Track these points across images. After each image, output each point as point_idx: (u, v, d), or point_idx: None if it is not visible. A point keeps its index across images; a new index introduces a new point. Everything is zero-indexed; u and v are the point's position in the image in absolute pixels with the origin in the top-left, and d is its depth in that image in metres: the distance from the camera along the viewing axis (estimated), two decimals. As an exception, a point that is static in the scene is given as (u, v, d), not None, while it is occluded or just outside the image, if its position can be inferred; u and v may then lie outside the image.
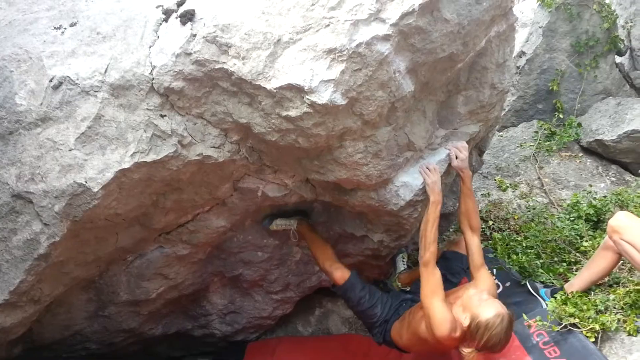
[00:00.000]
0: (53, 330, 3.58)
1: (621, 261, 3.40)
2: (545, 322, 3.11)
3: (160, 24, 2.78)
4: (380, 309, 3.49)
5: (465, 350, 2.97)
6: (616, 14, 5.88)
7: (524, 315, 3.29)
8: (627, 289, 3.22)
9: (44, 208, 2.75)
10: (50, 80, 2.72)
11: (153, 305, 3.76)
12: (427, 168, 3.24)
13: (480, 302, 2.94)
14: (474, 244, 3.33)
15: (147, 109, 2.73)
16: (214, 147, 2.89)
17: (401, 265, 4.21)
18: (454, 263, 3.92)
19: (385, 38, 2.56)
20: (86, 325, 3.66)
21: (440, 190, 3.22)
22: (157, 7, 2.85)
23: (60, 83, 2.71)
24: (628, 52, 6.24)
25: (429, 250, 3.14)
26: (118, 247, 3.21)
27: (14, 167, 2.74)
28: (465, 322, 2.91)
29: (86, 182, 2.69)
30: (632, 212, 3.56)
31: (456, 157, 3.35)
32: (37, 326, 3.42)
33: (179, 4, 2.81)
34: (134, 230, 3.19)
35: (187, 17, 2.69)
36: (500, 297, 3.40)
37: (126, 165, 2.71)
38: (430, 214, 3.19)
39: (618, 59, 6.21)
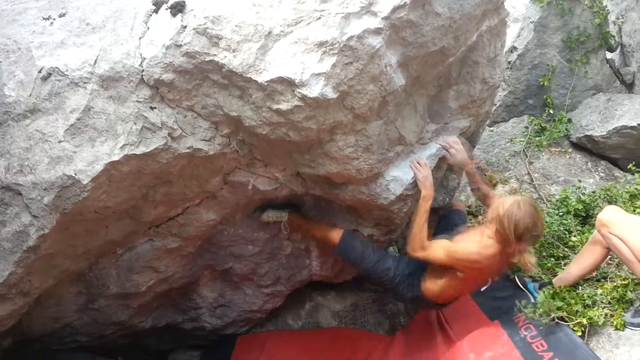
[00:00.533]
0: (43, 323, 3.56)
1: (609, 256, 3.42)
2: (533, 316, 3.12)
3: (151, 15, 2.76)
4: (393, 262, 3.45)
5: (516, 258, 3.02)
6: (607, 10, 5.91)
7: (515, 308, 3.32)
8: (615, 284, 3.26)
9: (33, 200, 2.73)
10: (39, 71, 2.70)
11: (143, 299, 3.74)
12: (418, 163, 3.26)
13: (498, 205, 3.03)
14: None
15: (137, 101, 2.71)
16: (204, 140, 2.88)
17: (392, 253, 4.21)
18: (454, 216, 4.00)
19: (377, 31, 2.56)
20: (76, 317, 3.64)
21: (431, 185, 3.24)
22: (147, -2, 2.83)
23: (49, 74, 2.69)
24: (619, 48, 6.27)
25: (416, 239, 3.18)
26: (108, 240, 3.19)
27: (2, 159, 2.72)
28: (494, 229, 2.98)
29: (75, 174, 2.67)
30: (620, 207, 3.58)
31: (451, 155, 3.36)
32: (27, 318, 3.40)
33: (170, -4, 2.79)
34: (123, 223, 3.18)
35: (178, 9, 2.67)
36: (489, 291, 3.44)
37: (116, 158, 2.70)
38: (420, 208, 3.21)
39: (609, 55, 6.24)
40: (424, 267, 3.36)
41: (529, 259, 2.99)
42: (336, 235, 3.51)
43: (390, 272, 3.39)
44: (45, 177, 2.68)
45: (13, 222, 2.79)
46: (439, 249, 3.16)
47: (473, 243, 3.07)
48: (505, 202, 3.00)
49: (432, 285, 3.31)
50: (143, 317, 3.99)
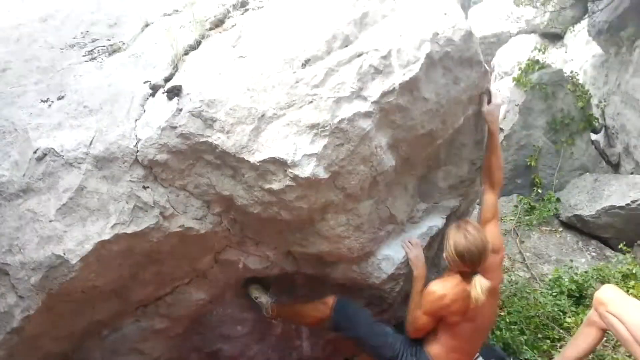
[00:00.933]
0: (21, 409, 3.41)
1: (605, 337, 3.37)
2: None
3: (147, 98, 2.84)
4: (392, 329, 3.27)
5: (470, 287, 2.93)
6: (590, 94, 6.15)
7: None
8: (612, 367, 3.19)
9: (20, 280, 2.69)
10: (35, 152, 2.73)
11: (127, 383, 3.61)
12: (410, 242, 3.26)
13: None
14: (489, 199, 3.26)
15: (130, 181, 2.74)
16: (196, 218, 2.89)
17: None
18: None
19: (367, 114, 2.64)
20: (56, 403, 3.50)
21: (423, 264, 3.22)
22: (144, 83, 2.92)
23: (45, 154, 2.72)
24: (603, 129, 6.47)
25: (414, 325, 3.11)
26: (93, 321, 3.12)
27: (-9, 238, 2.70)
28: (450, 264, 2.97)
29: (64, 253, 2.65)
30: (615, 287, 3.57)
31: (489, 101, 3.21)
32: (5, 405, 3.27)
33: (167, 80, 2.89)
34: (110, 303, 3.11)
35: (174, 92, 2.75)
36: (485, 374, 3.35)
37: (106, 237, 2.68)
38: (413, 289, 3.17)
39: (594, 137, 6.43)
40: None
41: (480, 282, 2.90)
42: (327, 303, 3.29)
43: (389, 338, 3.20)
44: (33, 256, 2.65)
45: (-2, 302, 2.74)
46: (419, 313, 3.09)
47: (434, 282, 3.02)
48: (449, 233, 3.02)
49: (435, 347, 3.13)
50: (127, 403, 3.83)
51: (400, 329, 3.40)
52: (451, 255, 2.94)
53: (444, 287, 2.99)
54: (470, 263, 2.91)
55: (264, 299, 3.50)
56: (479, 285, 2.87)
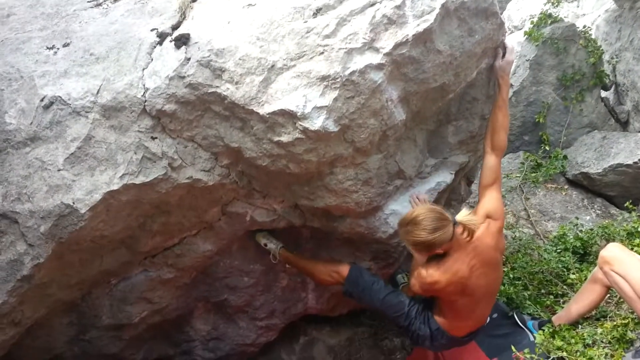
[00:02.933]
0: (32, 354, 3.48)
1: (608, 294, 3.41)
2: (533, 355, 3.09)
3: (155, 47, 2.78)
4: (406, 296, 3.21)
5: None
6: (602, 50, 6.03)
7: (512, 347, 3.27)
8: (615, 323, 3.23)
9: (30, 228, 2.70)
10: (42, 100, 2.70)
11: (135, 330, 3.68)
12: (417, 197, 3.23)
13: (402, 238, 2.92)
14: (489, 161, 3.08)
15: (138, 131, 2.72)
16: (204, 170, 2.88)
17: (401, 279, 4.09)
18: None
19: (379, 67, 2.59)
20: (66, 349, 3.57)
21: None
22: (151, 30, 2.86)
23: (52, 103, 2.69)
24: (613, 87, 6.38)
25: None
26: (102, 270, 3.15)
27: (0, 187, 2.70)
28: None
29: (73, 203, 2.65)
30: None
31: (503, 56, 3.09)
32: (16, 349, 3.33)
33: (174, 28, 2.82)
34: (119, 252, 3.14)
35: (182, 41, 2.70)
36: (487, 328, 3.39)
37: (115, 187, 2.68)
38: None
39: (603, 94, 6.34)
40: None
41: (470, 221, 2.78)
42: (340, 274, 3.27)
43: (405, 307, 3.15)
44: (42, 205, 2.66)
45: (8, 250, 2.76)
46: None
47: (428, 266, 2.90)
48: (399, 230, 2.92)
49: (440, 317, 3.11)
50: (134, 350, 3.91)
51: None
52: (423, 253, 2.83)
53: (437, 272, 2.87)
54: (425, 247, 2.80)
55: (272, 244, 3.52)
56: (463, 219, 2.77)
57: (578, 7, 8.10)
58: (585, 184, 5.39)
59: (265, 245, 3.54)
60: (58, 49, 2.89)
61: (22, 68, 2.81)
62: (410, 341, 3.44)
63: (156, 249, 3.28)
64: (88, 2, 3.18)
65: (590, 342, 3.08)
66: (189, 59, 2.64)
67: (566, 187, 5.44)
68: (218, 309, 3.99)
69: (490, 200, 3.01)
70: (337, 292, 3.85)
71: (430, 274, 2.88)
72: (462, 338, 3.18)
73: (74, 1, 3.20)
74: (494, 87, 3.25)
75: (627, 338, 3.08)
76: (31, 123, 2.70)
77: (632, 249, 3.91)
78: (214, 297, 3.85)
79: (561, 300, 3.79)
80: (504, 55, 3.10)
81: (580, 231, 4.50)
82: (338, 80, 2.55)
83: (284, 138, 2.65)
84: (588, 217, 5.05)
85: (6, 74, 2.81)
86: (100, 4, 3.15)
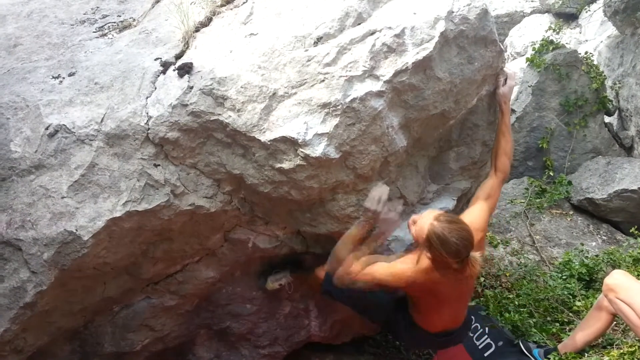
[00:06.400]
0: (33, 383, 3.47)
1: (615, 322, 3.37)
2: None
3: (158, 75, 2.83)
4: (383, 293, 3.12)
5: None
6: (604, 75, 6.05)
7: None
8: (621, 351, 3.19)
9: (33, 256, 2.71)
10: (47, 128, 2.74)
11: (137, 358, 3.65)
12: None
13: (415, 232, 2.77)
14: (489, 181, 3.12)
15: (141, 159, 2.74)
16: (206, 197, 2.89)
17: None
18: None
19: (379, 94, 2.62)
20: (68, 377, 3.55)
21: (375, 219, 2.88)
22: (155, 60, 2.91)
23: (56, 131, 2.73)
24: (616, 112, 6.38)
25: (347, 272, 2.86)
26: (105, 297, 3.15)
27: (4, 214, 2.72)
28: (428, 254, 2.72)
29: (77, 230, 2.67)
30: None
31: (504, 82, 3.11)
32: (18, 378, 3.32)
33: (177, 57, 2.88)
34: (122, 279, 3.14)
35: (185, 70, 2.74)
36: (493, 356, 3.35)
37: (118, 214, 2.70)
38: (356, 231, 2.90)
39: (607, 119, 6.34)
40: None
41: (477, 259, 2.72)
42: (321, 273, 3.23)
43: (381, 299, 3.12)
44: (46, 232, 2.68)
45: (11, 277, 2.77)
46: (370, 268, 2.85)
47: (405, 263, 2.82)
48: (425, 219, 2.75)
49: (414, 312, 3.05)
50: (137, 378, 3.88)
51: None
52: (439, 254, 2.70)
53: (415, 273, 2.80)
54: (452, 257, 2.69)
55: (283, 279, 3.51)
56: (475, 263, 2.71)
57: (580, 33, 8.17)
58: (590, 210, 5.35)
59: (280, 285, 3.52)
60: (64, 78, 2.94)
61: (28, 97, 2.86)
62: (392, 336, 3.41)
63: (159, 275, 3.27)
64: (94, 32, 3.25)
65: (597, 370, 3.04)
66: (191, 88, 2.68)
67: (571, 212, 5.41)
68: (220, 336, 3.96)
69: (476, 210, 3.00)
70: (340, 319, 3.82)
71: (411, 273, 2.80)
72: (438, 335, 3.07)
73: (80, 31, 3.27)
74: (495, 113, 3.27)
75: (635, 366, 3.04)
76: (36, 151, 2.73)
77: (637, 275, 3.88)
78: (217, 324, 3.83)
79: (567, 328, 3.74)
80: (504, 82, 3.13)
81: (586, 257, 4.46)
82: (339, 107, 2.58)
83: (286, 165, 2.67)
84: (594, 243, 5.01)
85: (12, 103, 2.86)
86: (105, 34, 3.21)
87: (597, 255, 4.49)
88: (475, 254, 2.73)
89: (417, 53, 2.66)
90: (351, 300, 3.20)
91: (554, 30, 6.60)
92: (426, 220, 2.72)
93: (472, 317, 3.62)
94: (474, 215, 2.97)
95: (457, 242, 2.63)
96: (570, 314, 3.88)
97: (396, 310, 3.14)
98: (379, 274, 2.84)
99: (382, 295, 3.15)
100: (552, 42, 6.10)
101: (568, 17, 8.51)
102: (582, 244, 4.86)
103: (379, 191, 2.88)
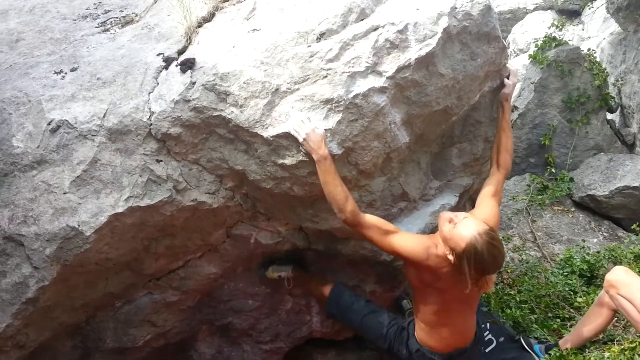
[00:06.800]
0: (35, 378, 3.47)
1: (615, 318, 3.37)
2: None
3: (161, 71, 2.83)
4: (389, 317, 3.11)
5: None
6: (607, 72, 6.03)
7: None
8: (622, 347, 3.19)
9: (35, 251, 2.72)
10: (49, 124, 2.74)
11: (139, 354, 3.66)
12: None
13: (451, 231, 2.64)
14: (493, 177, 3.09)
15: (144, 154, 2.74)
16: (208, 193, 2.89)
17: (407, 305, 4.03)
18: None
19: (382, 90, 2.61)
20: (70, 372, 3.56)
21: (320, 142, 2.56)
22: (157, 55, 2.91)
23: (59, 126, 2.73)
24: (619, 109, 6.37)
25: (347, 206, 2.67)
26: (107, 293, 3.15)
27: (6, 209, 2.72)
28: (452, 257, 2.64)
29: (79, 225, 2.67)
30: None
31: (507, 79, 3.11)
32: (20, 373, 3.33)
33: (180, 53, 2.87)
34: (124, 275, 3.15)
35: (188, 65, 2.74)
36: (494, 352, 3.35)
37: (120, 210, 2.70)
38: (323, 176, 2.62)
39: (609, 116, 6.33)
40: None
41: (493, 279, 2.72)
42: (324, 293, 3.30)
43: (383, 328, 3.06)
44: (48, 228, 2.68)
45: (13, 273, 2.77)
46: (382, 233, 2.76)
47: (418, 244, 2.75)
48: (460, 230, 2.63)
49: (420, 330, 2.97)
50: (139, 374, 3.89)
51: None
52: (468, 271, 2.59)
53: (430, 255, 2.72)
54: (484, 273, 2.65)
55: (284, 272, 3.51)
56: (490, 282, 2.71)
57: (583, 30, 8.15)
58: (592, 207, 5.35)
59: (279, 276, 3.53)
60: (66, 73, 2.94)
61: (30, 92, 2.86)
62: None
63: (161, 271, 3.28)
64: (96, 27, 3.24)
65: (598, 366, 3.05)
66: (194, 83, 2.68)
67: (573, 209, 5.41)
68: (222, 332, 3.97)
69: (487, 208, 2.95)
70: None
71: (423, 252, 2.74)
72: (445, 356, 2.99)
73: (83, 27, 3.26)
74: (498, 109, 3.27)
75: (636, 362, 3.04)
76: (38, 146, 2.73)
77: (639, 271, 3.88)
78: (218, 320, 3.83)
79: (568, 324, 3.75)
80: (507, 78, 3.13)
81: (587, 254, 4.46)
82: (341, 103, 2.58)
83: (288, 161, 2.67)
84: (595, 240, 5.01)
85: (14, 98, 2.86)
86: (107, 30, 3.21)
87: (598, 252, 4.49)
88: (493, 275, 2.72)
89: (420, 49, 2.65)
90: (355, 325, 3.24)
91: (557, 27, 6.58)
92: (469, 228, 2.61)
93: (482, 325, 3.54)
94: (487, 213, 2.91)
95: (490, 264, 2.60)
96: (572, 310, 3.88)
97: (396, 338, 3.08)
98: (397, 241, 2.75)
99: (385, 321, 3.12)
100: (554, 38, 6.09)
101: (571, 14, 8.50)
102: (584, 241, 4.86)
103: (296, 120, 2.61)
